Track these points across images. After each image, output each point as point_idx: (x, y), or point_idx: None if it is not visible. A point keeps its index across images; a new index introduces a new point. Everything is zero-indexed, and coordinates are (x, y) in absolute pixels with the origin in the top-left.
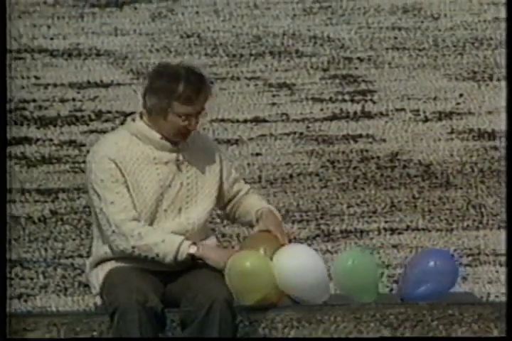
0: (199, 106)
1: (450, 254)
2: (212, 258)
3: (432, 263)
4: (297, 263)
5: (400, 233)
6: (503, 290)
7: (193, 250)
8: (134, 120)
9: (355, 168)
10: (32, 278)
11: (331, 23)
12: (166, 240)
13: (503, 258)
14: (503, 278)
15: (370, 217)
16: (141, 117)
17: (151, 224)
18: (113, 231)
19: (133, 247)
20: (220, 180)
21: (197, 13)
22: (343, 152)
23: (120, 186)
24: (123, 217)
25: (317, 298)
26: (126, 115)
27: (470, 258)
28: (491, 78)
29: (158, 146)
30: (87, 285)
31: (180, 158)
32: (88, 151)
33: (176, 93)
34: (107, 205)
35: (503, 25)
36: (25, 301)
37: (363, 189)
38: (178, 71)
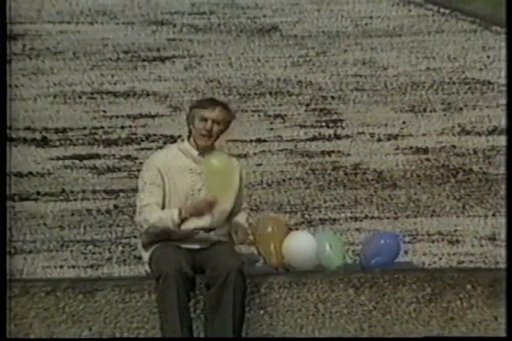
0: (214, 113)
1: (396, 235)
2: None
3: (382, 242)
4: (301, 245)
5: (360, 220)
6: (434, 259)
7: (178, 216)
8: (183, 140)
9: (329, 174)
10: (100, 253)
11: (312, 72)
12: (161, 217)
13: (435, 237)
14: (433, 251)
15: (340, 209)
16: (188, 138)
17: None
18: (141, 213)
19: (148, 228)
20: (238, 192)
21: (217, 65)
22: (321, 163)
23: (154, 188)
24: (151, 208)
25: (307, 267)
26: (171, 138)
27: (410, 237)
28: (425, 110)
29: (196, 161)
30: (139, 258)
31: None
32: (141, 163)
33: (197, 103)
34: (140, 199)
35: (434, 73)
36: (96, 269)
37: (335, 189)
38: (212, 100)
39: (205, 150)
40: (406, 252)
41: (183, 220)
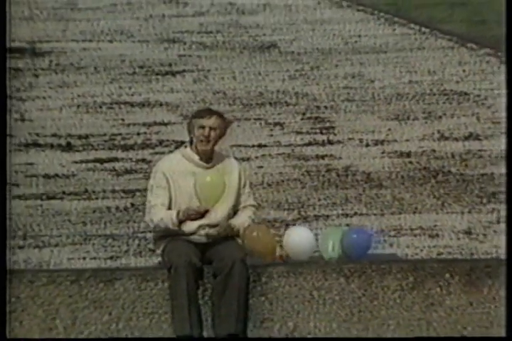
0: (210, 121)
1: (366, 231)
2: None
3: (354, 236)
4: (300, 239)
5: (351, 216)
6: (416, 251)
7: (176, 218)
8: (186, 147)
9: (323, 175)
10: (119, 246)
11: (307, 84)
12: (163, 217)
13: (417, 231)
14: (415, 244)
15: (332, 206)
16: (190, 144)
17: None
18: (148, 213)
19: (156, 224)
20: (238, 190)
21: (222, 78)
22: (315, 165)
23: (160, 190)
24: (157, 208)
25: (305, 257)
26: (181, 143)
27: (395, 232)
28: (408, 118)
29: (198, 165)
30: (153, 250)
31: (214, 171)
32: (154, 165)
33: (196, 113)
34: (148, 201)
35: (416, 85)
36: (115, 260)
37: (327, 189)
38: (203, 108)
39: (205, 155)
40: (391, 245)
41: (181, 221)
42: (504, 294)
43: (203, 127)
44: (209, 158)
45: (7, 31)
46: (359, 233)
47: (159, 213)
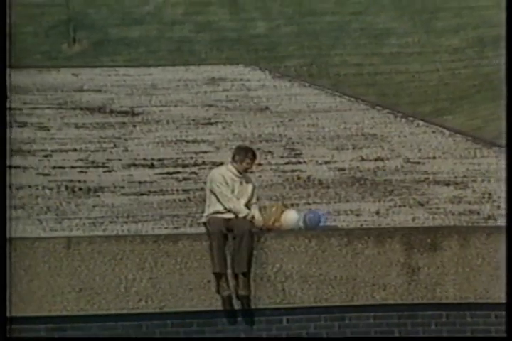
0: (252, 160)
1: (317, 211)
2: (257, 223)
3: (311, 215)
4: (291, 217)
5: (311, 204)
6: (348, 224)
7: (245, 215)
8: (227, 164)
9: (295, 181)
10: (181, 221)
11: (286, 130)
12: (242, 209)
13: (348, 212)
14: (347, 219)
15: (301, 199)
16: (231, 163)
17: None
18: (228, 201)
19: (231, 208)
20: (253, 190)
21: (238, 126)
22: (291, 175)
23: (226, 186)
24: (230, 197)
25: (292, 227)
26: (215, 162)
27: (336, 212)
28: (343, 149)
29: (234, 175)
30: (198, 223)
31: (243, 180)
32: (201, 175)
33: (243, 148)
34: (222, 192)
35: (348, 130)
36: (178, 229)
37: (298, 189)
38: (247, 148)
39: (241, 171)
40: (334, 220)
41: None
42: (400, 247)
43: (248, 163)
44: (242, 172)
45: (117, 102)
46: (313, 213)
47: (232, 202)
